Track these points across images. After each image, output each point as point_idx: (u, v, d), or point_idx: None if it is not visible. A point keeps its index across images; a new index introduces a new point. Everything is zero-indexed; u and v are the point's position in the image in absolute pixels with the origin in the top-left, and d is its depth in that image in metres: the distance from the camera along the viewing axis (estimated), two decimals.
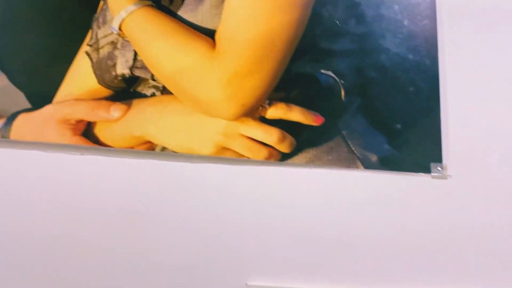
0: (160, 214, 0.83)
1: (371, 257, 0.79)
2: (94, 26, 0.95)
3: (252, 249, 0.79)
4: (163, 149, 0.89)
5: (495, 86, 0.89)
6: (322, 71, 0.93)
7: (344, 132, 0.88)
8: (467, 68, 0.90)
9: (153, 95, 0.93)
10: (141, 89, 0.94)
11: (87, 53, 0.96)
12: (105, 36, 0.96)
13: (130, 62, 0.96)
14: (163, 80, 0.93)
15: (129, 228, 0.83)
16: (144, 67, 0.94)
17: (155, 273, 0.79)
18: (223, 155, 0.88)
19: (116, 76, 0.95)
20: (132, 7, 0.90)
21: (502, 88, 0.89)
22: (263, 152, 0.87)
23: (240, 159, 0.87)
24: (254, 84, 0.90)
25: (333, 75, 0.92)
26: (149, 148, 0.89)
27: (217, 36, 0.91)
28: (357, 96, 0.91)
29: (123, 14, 0.91)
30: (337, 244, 0.80)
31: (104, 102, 0.92)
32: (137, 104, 0.92)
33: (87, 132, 0.91)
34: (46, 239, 0.83)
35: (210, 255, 0.80)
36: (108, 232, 0.83)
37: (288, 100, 0.91)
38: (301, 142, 0.88)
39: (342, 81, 0.92)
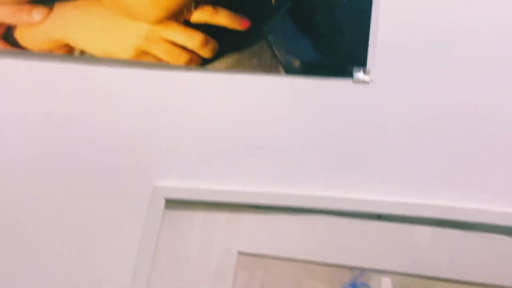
0: (78, 117, 0.81)
1: (290, 161, 0.76)
2: None
3: (161, 150, 0.77)
4: (82, 52, 0.85)
5: None
6: None
7: (270, 37, 0.83)
8: None
9: None
10: None
11: None
12: None
13: None
14: None
15: (47, 131, 0.81)
16: None
17: (67, 173, 0.78)
18: (143, 59, 0.84)
19: None
20: None
21: None
22: (184, 57, 0.84)
23: (159, 63, 0.83)
24: None
25: None
26: (68, 51, 0.86)
27: None
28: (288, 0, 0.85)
29: None
30: (254, 148, 0.77)
31: (26, 5, 0.88)
32: (59, 6, 0.88)
33: (7, 35, 0.87)
34: None
35: (119, 156, 0.77)
36: (27, 137, 0.81)
37: (215, 2, 0.86)
38: (224, 47, 0.84)
39: None
